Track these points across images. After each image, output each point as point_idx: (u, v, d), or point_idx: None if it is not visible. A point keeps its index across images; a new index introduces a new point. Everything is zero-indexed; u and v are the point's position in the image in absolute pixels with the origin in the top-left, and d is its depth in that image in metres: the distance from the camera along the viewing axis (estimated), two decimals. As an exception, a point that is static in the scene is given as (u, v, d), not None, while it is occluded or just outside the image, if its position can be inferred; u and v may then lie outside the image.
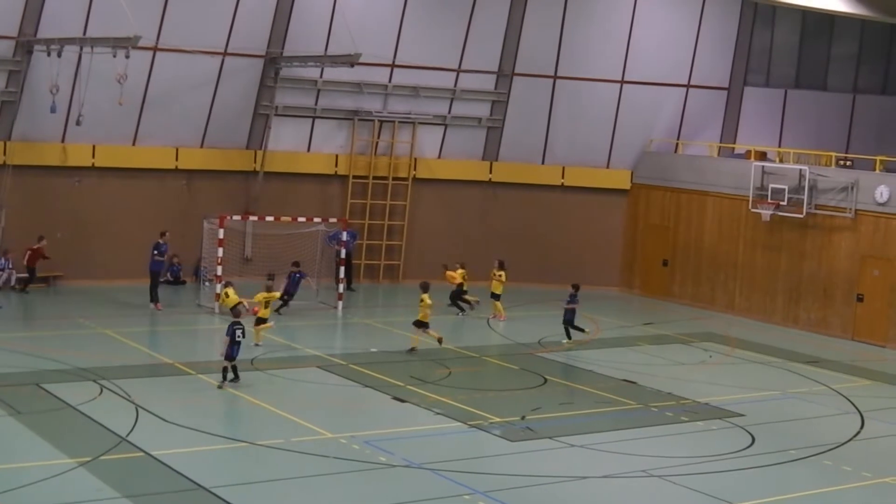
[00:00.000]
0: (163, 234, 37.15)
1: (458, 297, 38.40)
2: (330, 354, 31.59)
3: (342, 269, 38.73)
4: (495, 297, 37.77)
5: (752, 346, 36.15)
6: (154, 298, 36.66)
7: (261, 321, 31.81)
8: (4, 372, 27.08)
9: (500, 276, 37.66)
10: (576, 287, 34.96)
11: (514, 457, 23.35)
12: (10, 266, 37.97)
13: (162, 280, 38.04)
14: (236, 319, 27.52)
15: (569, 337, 34.53)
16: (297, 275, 37.24)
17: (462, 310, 38.30)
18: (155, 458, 21.64)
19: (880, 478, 23.14)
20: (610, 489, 21.76)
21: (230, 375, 27.23)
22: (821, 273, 39.31)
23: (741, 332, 38.79)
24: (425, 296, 32.32)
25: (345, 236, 39.58)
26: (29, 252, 37.88)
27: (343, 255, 38.96)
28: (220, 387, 26.88)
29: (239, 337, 27.11)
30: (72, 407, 24.63)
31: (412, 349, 32.14)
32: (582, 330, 34.88)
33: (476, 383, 29.10)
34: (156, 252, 36.76)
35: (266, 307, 32.14)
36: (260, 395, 26.72)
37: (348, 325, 36.65)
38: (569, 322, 34.68)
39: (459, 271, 38.39)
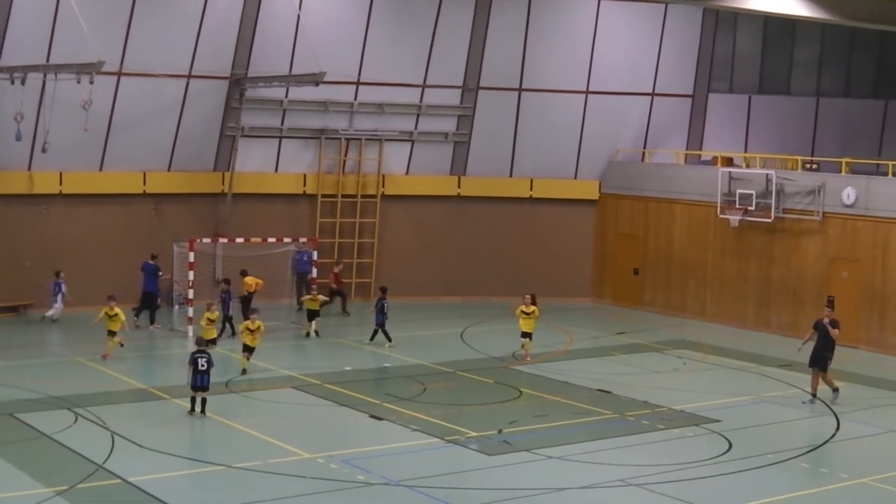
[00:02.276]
0: (154, 257, 38.11)
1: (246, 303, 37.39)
2: (304, 374, 31.52)
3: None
4: (526, 335, 33.74)
5: (726, 352, 36.29)
6: (152, 319, 37.67)
7: (247, 348, 31.31)
8: (-23, 403, 26.95)
9: (533, 311, 33.53)
10: (383, 290, 36.52)
11: (493, 471, 23.34)
12: (62, 289, 38.36)
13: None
14: (200, 347, 26.86)
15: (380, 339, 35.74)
16: (226, 295, 36.57)
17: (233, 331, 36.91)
18: (132, 485, 21.53)
19: (858, 478, 23.24)
20: (589, 499, 21.78)
21: (198, 406, 26.61)
22: (790, 277, 39.50)
23: (714, 338, 38.93)
24: None
25: (305, 256, 40.01)
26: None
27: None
28: (190, 413, 26.61)
29: (202, 366, 26.41)
30: (47, 436, 24.48)
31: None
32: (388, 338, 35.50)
33: (451, 398, 29.09)
34: (155, 272, 38.08)
35: (252, 333, 31.15)
36: (236, 418, 26.63)
37: (322, 344, 36.53)
38: (381, 325, 35.67)
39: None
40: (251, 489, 21.65)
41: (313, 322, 36.68)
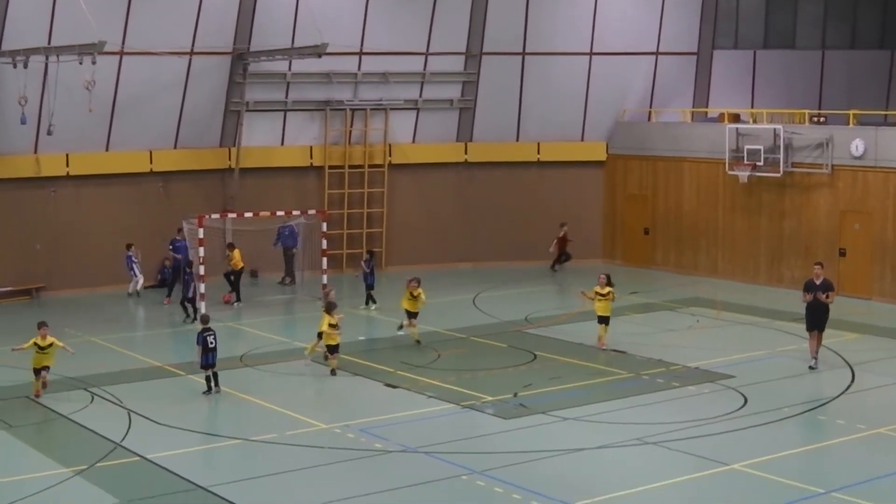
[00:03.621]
0: (179, 231, 38.18)
1: (236, 279, 37.41)
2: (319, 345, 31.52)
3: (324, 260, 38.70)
4: (603, 320, 30.91)
5: (739, 308, 36.25)
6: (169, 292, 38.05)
7: (332, 349, 28.33)
8: (-7, 386, 27.02)
9: (609, 293, 30.72)
10: (370, 252, 37.82)
11: (509, 434, 23.38)
12: (137, 260, 38.64)
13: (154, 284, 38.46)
14: (206, 326, 26.67)
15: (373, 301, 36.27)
16: (188, 275, 35.43)
17: (238, 298, 37.36)
18: (151, 462, 21.62)
19: (875, 429, 23.25)
20: (606, 459, 21.80)
21: (212, 384, 26.54)
22: (801, 231, 39.40)
23: (726, 295, 38.90)
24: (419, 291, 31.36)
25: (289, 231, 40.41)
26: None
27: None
28: (206, 393, 26.59)
29: (211, 343, 26.30)
30: (64, 417, 24.56)
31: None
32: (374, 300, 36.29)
33: (466, 364, 29.11)
34: (177, 248, 38.29)
35: (331, 329, 28.13)
36: (251, 391, 26.70)
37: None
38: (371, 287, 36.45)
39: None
40: (269, 461, 21.71)
41: (412, 321, 31.62)
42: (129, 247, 38.79)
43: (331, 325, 27.99)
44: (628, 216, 45.35)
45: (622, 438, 22.80)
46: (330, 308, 28.35)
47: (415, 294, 31.38)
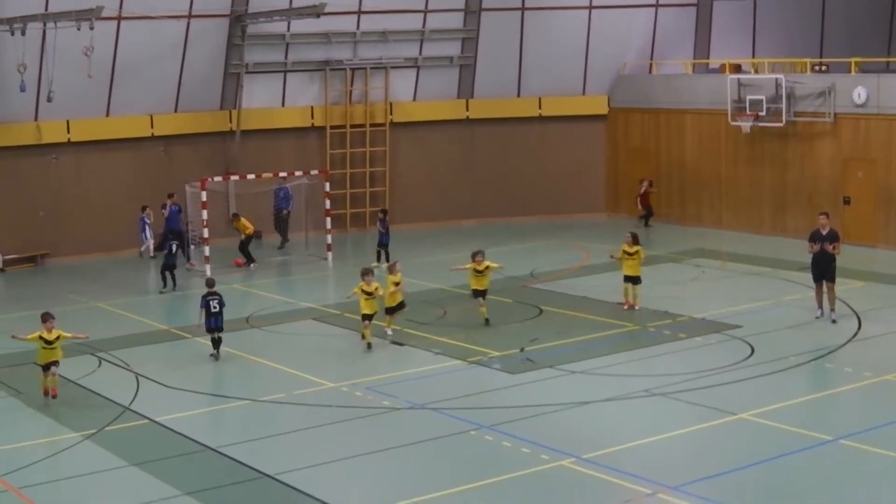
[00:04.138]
0: (171, 196, 38.47)
1: (245, 247, 37.39)
2: (324, 305, 31.60)
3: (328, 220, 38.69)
4: (631, 280, 29.88)
5: (744, 259, 36.25)
6: (187, 258, 37.66)
7: (366, 317, 26.83)
8: (1, 354, 27.01)
9: (636, 251, 29.71)
10: (384, 211, 37.57)
11: (517, 389, 23.43)
12: (149, 221, 38.62)
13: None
14: (211, 290, 26.55)
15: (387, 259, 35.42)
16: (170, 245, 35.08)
17: (253, 260, 37.34)
18: (159, 424, 21.70)
19: (881, 376, 23.26)
20: (614, 411, 21.83)
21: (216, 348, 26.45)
22: (805, 180, 39.32)
23: (731, 245, 38.90)
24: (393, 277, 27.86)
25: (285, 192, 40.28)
26: None
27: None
28: (212, 356, 26.58)
29: (214, 307, 26.16)
30: (72, 382, 24.59)
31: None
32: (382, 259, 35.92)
33: (472, 320, 29.04)
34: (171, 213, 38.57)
35: (369, 297, 26.72)
36: (257, 352, 26.76)
37: (339, 274, 36.61)
38: (385, 245, 36.43)
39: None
40: (277, 421, 21.78)
41: (481, 299, 28.81)
42: (143, 209, 38.76)
43: (395, 284, 27.33)
44: (631, 169, 45.23)
45: (629, 391, 22.83)
46: (392, 269, 27.73)
47: (480, 269, 28.42)
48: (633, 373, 24.19)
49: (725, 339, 26.57)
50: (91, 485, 19.09)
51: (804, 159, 39.29)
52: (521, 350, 26.06)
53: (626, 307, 29.54)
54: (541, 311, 29.92)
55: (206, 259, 35.78)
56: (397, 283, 27.45)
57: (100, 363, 26.05)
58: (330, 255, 37.90)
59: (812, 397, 22.67)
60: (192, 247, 38.42)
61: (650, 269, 34.66)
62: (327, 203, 38.86)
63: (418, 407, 22.24)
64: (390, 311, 27.51)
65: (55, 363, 23.06)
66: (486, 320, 28.36)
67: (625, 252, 29.77)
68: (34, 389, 23.68)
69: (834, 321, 27.50)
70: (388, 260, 35.83)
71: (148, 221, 39.06)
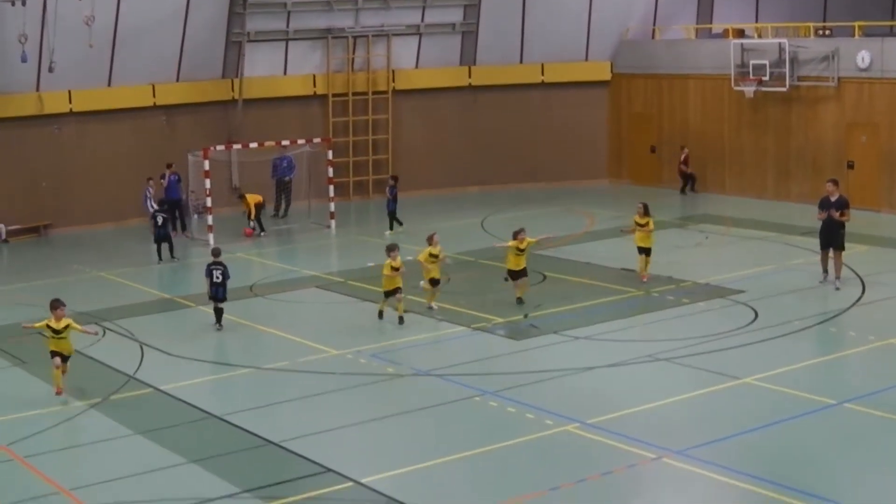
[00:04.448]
0: (169, 166, 38.19)
1: (257, 212, 37.33)
2: (327, 273, 31.61)
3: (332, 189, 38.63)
4: (643, 251, 29.10)
5: (747, 224, 36.22)
6: (184, 227, 37.84)
7: (388, 293, 26.09)
8: (5, 324, 27.05)
9: (647, 223, 29.00)
10: (395, 178, 37.56)
11: (521, 355, 23.46)
12: (151, 192, 37.57)
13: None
14: (216, 259, 26.52)
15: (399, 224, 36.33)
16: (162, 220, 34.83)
17: (263, 229, 37.42)
18: (164, 393, 21.75)
19: (885, 339, 23.28)
20: (618, 376, 21.86)
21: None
22: (809, 145, 39.23)
23: (735, 211, 38.86)
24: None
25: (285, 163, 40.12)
26: None
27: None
28: (214, 325, 26.56)
29: (217, 278, 26.07)
30: (77, 351, 24.48)
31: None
32: (399, 223, 36.38)
33: (476, 287, 29.09)
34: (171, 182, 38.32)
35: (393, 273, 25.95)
36: (261, 320, 26.78)
37: (343, 242, 36.62)
38: (393, 211, 36.64)
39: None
40: (282, 389, 21.81)
41: (519, 284, 27.27)
42: (148, 180, 38.63)
43: (432, 255, 26.71)
44: (634, 135, 45.15)
45: (634, 356, 22.86)
46: (431, 241, 26.92)
47: (522, 247, 26.76)
48: (637, 338, 24.23)
49: (729, 303, 26.57)
50: (96, 453, 19.16)
51: (808, 124, 39.19)
52: (525, 316, 26.07)
53: (644, 279, 28.73)
54: (544, 277, 29.90)
55: (210, 228, 35.76)
56: (436, 256, 26.85)
57: (104, 332, 26.01)
58: (333, 223, 37.89)
59: (816, 361, 22.69)
60: (195, 216, 38.40)
61: (654, 235, 34.71)
62: (330, 171, 38.82)
63: (423, 373, 22.27)
64: (434, 282, 27.04)
65: (61, 355, 21.68)
66: (519, 299, 26.94)
67: (636, 223, 29.21)
68: (38, 359, 23.68)
69: (837, 289, 27.38)
70: (399, 224, 35.91)
71: (150, 193, 38.84)
